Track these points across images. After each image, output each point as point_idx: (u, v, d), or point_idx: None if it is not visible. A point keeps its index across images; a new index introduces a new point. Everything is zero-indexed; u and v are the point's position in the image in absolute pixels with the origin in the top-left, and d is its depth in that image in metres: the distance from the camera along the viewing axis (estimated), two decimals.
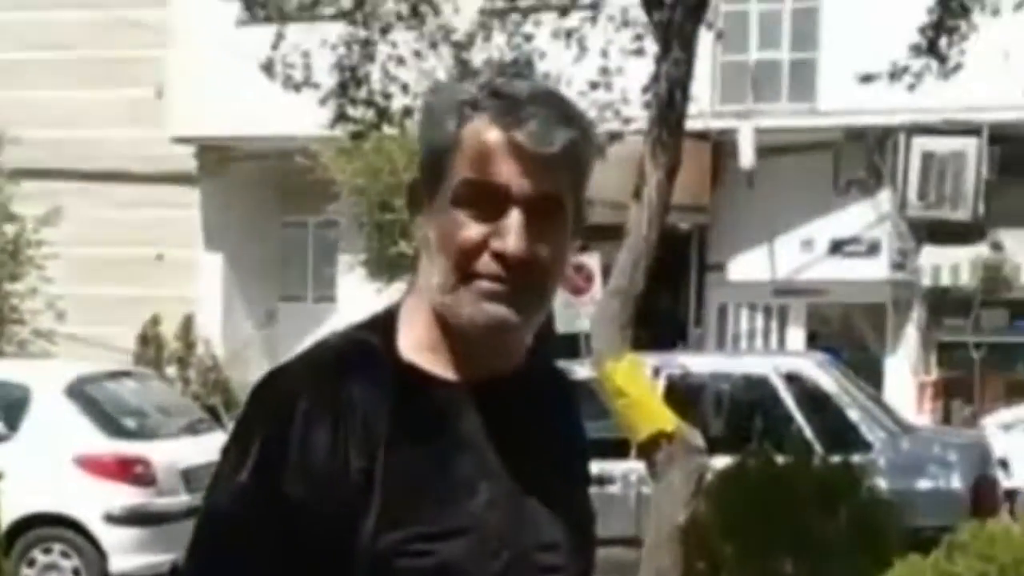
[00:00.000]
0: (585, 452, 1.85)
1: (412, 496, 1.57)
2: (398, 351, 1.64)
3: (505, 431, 1.65)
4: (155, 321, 16.84)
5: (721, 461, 7.20)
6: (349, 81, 9.82)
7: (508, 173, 1.58)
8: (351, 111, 9.89)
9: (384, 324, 1.67)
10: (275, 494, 1.56)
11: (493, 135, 1.59)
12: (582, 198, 1.67)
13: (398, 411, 1.59)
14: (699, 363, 10.25)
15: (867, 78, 9.71)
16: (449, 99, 1.63)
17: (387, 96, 9.83)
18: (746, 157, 16.09)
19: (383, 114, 9.86)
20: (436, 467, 1.60)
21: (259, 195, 17.83)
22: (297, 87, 10.05)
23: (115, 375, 11.29)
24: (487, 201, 1.59)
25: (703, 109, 13.06)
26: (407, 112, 9.47)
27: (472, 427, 1.63)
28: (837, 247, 16.84)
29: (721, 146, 16.57)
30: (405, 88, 9.83)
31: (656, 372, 9.01)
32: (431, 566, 1.57)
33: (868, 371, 15.01)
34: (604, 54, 9.42)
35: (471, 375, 1.64)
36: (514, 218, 1.58)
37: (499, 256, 1.58)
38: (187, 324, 17.08)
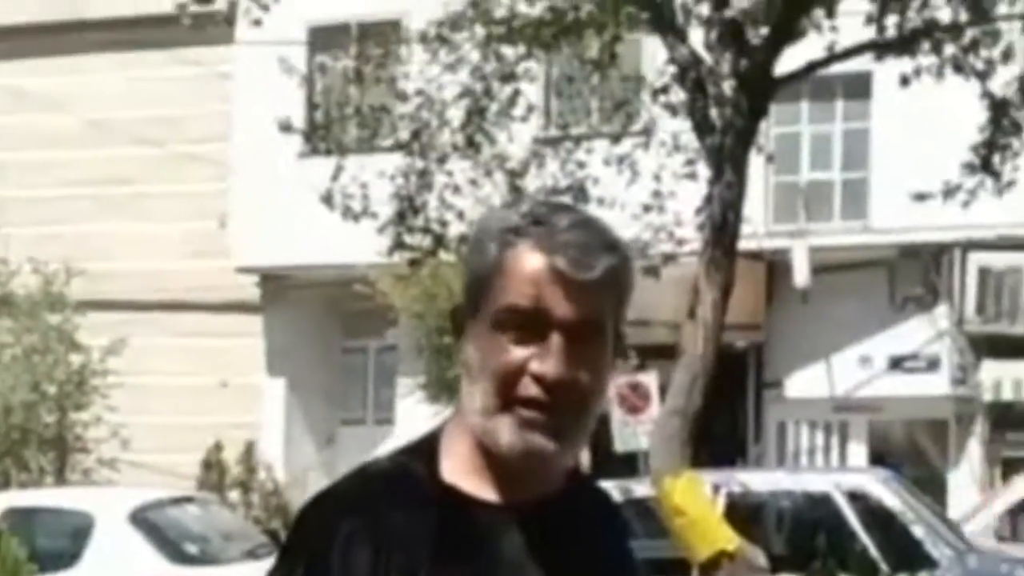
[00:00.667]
0: (633, 574, 1.85)
1: None
2: (440, 474, 1.66)
3: (547, 553, 1.66)
4: (218, 447, 16.98)
5: None
6: (407, 210, 10.04)
7: (549, 298, 1.61)
8: (408, 239, 10.09)
9: (427, 447, 1.69)
10: None
11: (535, 260, 1.62)
12: (622, 321, 1.69)
13: (440, 535, 1.61)
14: (759, 481, 10.17)
15: (921, 196, 9.79)
16: (493, 226, 1.67)
17: (443, 223, 10.03)
18: (800, 275, 16.14)
19: (440, 241, 10.05)
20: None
21: (320, 321, 18.03)
22: (356, 217, 10.27)
23: (177, 501, 11.39)
24: (528, 326, 1.61)
25: (756, 229, 13.19)
26: (463, 239, 9.65)
27: (514, 549, 1.64)
28: (896, 363, 16.74)
29: (775, 265, 16.62)
30: (461, 215, 10.02)
31: (716, 490, 8.98)
32: None
33: (932, 487, 14.81)
34: (656, 178, 9.60)
35: (513, 497, 1.65)
36: (555, 342, 1.60)
37: (539, 379, 1.60)
38: (249, 449, 17.20)
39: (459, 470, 1.66)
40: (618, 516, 1.87)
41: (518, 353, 1.61)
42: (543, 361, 1.60)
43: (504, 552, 1.64)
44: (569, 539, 1.69)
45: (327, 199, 10.21)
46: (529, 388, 1.61)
